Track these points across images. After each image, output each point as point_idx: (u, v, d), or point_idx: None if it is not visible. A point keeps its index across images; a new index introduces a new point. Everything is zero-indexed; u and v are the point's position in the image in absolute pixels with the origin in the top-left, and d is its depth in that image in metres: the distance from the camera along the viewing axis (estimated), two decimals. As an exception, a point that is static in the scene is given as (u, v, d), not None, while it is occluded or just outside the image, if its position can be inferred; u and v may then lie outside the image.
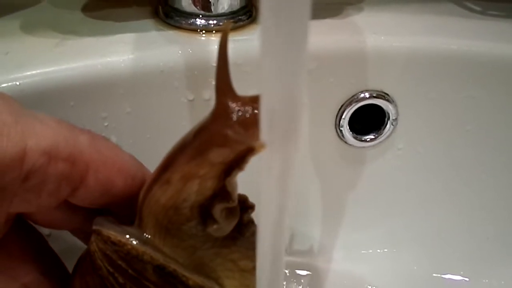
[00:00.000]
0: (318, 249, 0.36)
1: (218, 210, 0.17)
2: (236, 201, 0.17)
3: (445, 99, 0.31)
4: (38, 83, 0.24)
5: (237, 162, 0.16)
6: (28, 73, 0.24)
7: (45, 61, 0.25)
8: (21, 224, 0.20)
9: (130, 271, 0.17)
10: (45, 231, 0.21)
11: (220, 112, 0.15)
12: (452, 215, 0.34)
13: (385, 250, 0.35)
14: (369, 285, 0.35)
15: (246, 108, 0.15)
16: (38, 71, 0.24)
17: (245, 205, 0.18)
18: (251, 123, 0.15)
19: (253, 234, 0.18)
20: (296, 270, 0.35)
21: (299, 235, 0.35)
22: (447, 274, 0.35)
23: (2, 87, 0.23)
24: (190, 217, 0.17)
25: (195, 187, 0.16)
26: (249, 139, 0.15)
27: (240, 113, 0.15)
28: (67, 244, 0.24)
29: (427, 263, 0.35)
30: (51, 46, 0.26)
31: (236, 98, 0.15)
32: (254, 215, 0.18)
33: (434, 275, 0.35)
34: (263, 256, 0.16)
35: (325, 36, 0.29)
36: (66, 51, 0.26)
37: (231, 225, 0.17)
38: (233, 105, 0.15)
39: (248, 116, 0.15)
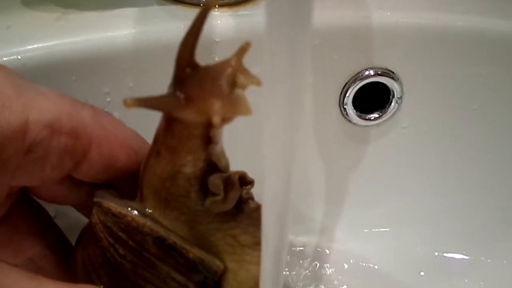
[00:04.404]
0: (321, 228, 0.36)
1: (211, 181, 0.16)
2: (227, 171, 0.17)
3: (452, 77, 0.31)
4: (39, 57, 0.24)
5: (210, 129, 0.16)
6: (30, 47, 0.24)
7: (47, 35, 0.25)
8: (26, 199, 0.20)
9: (130, 242, 0.17)
10: (50, 212, 0.22)
11: (177, 79, 0.15)
12: (456, 194, 0.34)
13: (388, 229, 0.35)
14: (372, 264, 0.35)
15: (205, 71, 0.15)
16: (40, 45, 0.24)
17: (244, 181, 0.18)
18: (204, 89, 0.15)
19: (254, 210, 0.18)
20: (299, 249, 0.35)
21: (302, 214, 0.35)
22: (449, 253, 0.35)
23: (4, 61, 0.23)
24: (189, 189, 0.17)
25: (184, 158, 0.16)
26: (202, 104, 0.15)
27: (196, 80, 0.15)
28: (71, 221, 0.24)
29: (430, 242, 0.35)
30: (52, 20, 0.26)
31: (196, 66, 0.15)
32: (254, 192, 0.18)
33: (436, 254, 0.35)
34: (267, 234, 0.16)
35: (330, 11, 0.28)
36: (68, 25, 0.26)
37: (230, 199, 0.17)
38: (191, 72, 0.15)
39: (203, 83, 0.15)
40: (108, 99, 0.26)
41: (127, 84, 0.26)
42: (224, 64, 0.15)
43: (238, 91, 0.15)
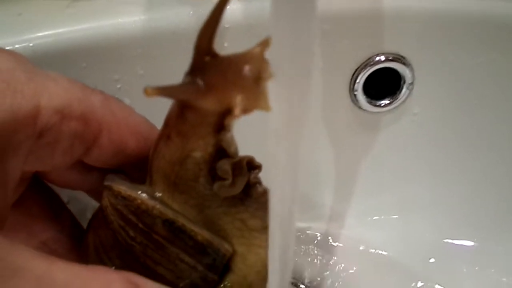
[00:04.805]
0: (330, 215, 0.36)
1: (219, 166, 0.17)
2: (236, 157, 0.17)
3: (464, 62, 0.30)
4: (50, 44, 0.24)
5: (224, 118, 0.16)
6: (40, 34, 0.24)
7: (57, 22, 0.25)
8: (38, 185, 0.20)
9: (140, 225, 0.17)
10: (63, 198, 0.22)
11: (196, 67, 0.15)
12: (467, 181, 0.34)
13: (398, 216, 0.35)
14: (381, 251, 0.35)
15: (227, 61, 0.15)
16: (50, 32, 0.24)
17: (251, 166, 0.18)
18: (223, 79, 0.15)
19: (261, 195, 0.18)
20: (308, 236, 0.35)
21: (311, 201, 0.35)
22: (458, 240, 0.35)
23: (15, 48, 0.23)
24: (197, 173, 0.17)
25: (194, 143, 0.16)
26: (224, 94, 0.15)
27: (216, 65, 0.15)
28: (83, 206, 0.25)
29: (440, 229, 0.35)
30: (63, 7, 0.26)
31: (215, 55, 0.15)
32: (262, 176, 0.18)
33: (446, 241, 0.35)
34: (274, 219, 0.16)
35: (340, -5, 0.28)
36: (78, 12, 0.26)
37: (238, 183, 0.17)
38: (210, 60, 0.15)
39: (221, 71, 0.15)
40: (118, 86, 0.26)
41: (137, 71, 0.26)
42: (248, 55, 0.15)
43: (262, 85, 0.15)
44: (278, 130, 0.16)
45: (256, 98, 0.15)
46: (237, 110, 0.15)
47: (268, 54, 0.15)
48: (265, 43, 0.15)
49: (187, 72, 0.16)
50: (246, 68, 0.15)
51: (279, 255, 0.16)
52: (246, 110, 0.15)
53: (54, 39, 0.24)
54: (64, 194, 0.23)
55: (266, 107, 0.15)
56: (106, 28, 0.25)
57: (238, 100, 0.15)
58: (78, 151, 0.18)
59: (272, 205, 0.16)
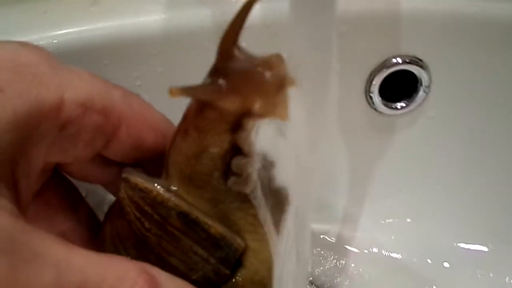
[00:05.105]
0: (344, 217, 0.36)
1: (234, 163, 0.17)
2: (252, 155, 0.17)
3: (482, 66, 0.30)
4: (73, 41, 0.25)
5: (242, 118, 0.16)
6: (65, 31, 0.25)
7: (81, 20, 0.25)
8: (58, 177, 0.21)
9: (155, 216, 0.17)
10: (82, 191, 0.23)
11: (219, 67, 0.15)
12: (482, 186, 0.33)
13: (412, 219, 0.35)
14: (395, 254, 0.34)
15: (250, 64, 0.15)
16: (74, 29, 0.25)
17: (266, 163, 0.18)
18: (245, 79, 0.15)
19: (275, 192, 0.18)
20: (322, 237, 0.35)
21: (326, 203, 0.35)
22: (472, 244, 0.34)
23: (40, 44, 0.24)
24: (212, 168, 0.17)
25: (211, 138, 0.16)
26: (245, 98, 0.15)
27: (239, 67, 0.15)
28: (100, 199, 0.25)
29: (455, 233, 0.34)
30: (87, 5, 0.27)
31: (238, 56, 0.15)
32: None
33: (461, 245, 0.34)
34: (289, 217, 0.16)
35: (357, -3, 0.28)
36: (101, 10, 0.26)
37: (250, 180, 0.18)
38: (234, 62, 0.15)
39: (247, 71, 0.15)
40: (138, 83, 0.27)
41: (156, 69, 0.27)
42: (271, 59, 0.15)
43: (283, 93, 0.15)
44: (297, 132, 0.16)
45: (275, 105, 0.15)
46: (255, 115, 0.15)
47: (286, 55, 0.15)
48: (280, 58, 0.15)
49: (210, 72, 0.16)
50: (270, 74, 0.15)
51: (291, 252, 0.17)
52: (264, 115, 0.15)
53: (78, 36, 0.25)
54: (82, 188, 0.24)
55: (284, 116, 0.15)
56: (127, 27, 0.26)
57: (257, 105, 0.15)
58: (99, 144, 0.19)
59: (287, 203, 0.16)
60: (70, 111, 0.17)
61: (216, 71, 0.16)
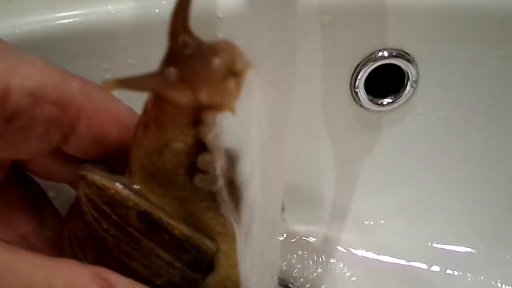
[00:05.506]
0: (330, 217, 0.35)
1: (199, 160, 0.16)
2: (218, 150, 0.16)
3: (472, 60, 0.29)
4: (37, 30, 0.24)
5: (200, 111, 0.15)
6: (28, 20, 0.23)
7: (46, 8, 0.24)
8: (19, 175, 0.20)
9: (113, 216, 0.16)
10: (50, 192, 0.22)
11: (169, 55, 0.14)
12: (472, 184, 0.33)
13: (401, 219, 0.34)
14: (382, 255, 0.34)
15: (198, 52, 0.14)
16: (38, 18, 0.24)
17: (233, 159, 0.17)
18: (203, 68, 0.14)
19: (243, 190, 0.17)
20: (307, 238, 0.34)
21: (310, 201, 0.34)
22: (461, 246, 0.34)
23: (2, 33, 0.23)
24: (176, 165, 0.16)
25: (172, 133, 0.15)
26: (191, 88, 0.14)
27: (189, 58, 0.14)
28: (71, 200, 0.24)
29: (444, 234, 0.34)
30: (53, -7, 0.26)
31: (190, 42, 0.14)
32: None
33: (450, 247, 0.34)
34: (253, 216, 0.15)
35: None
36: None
37: (217, 178, 0.16)
38: (184, 49, 0.14)
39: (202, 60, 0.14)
40: (108, 76, 0.26)
41: (128, 60, 0.26)
42: (219, 45, 0.14)
43: (229, 81, 0.14)
44: (260, 127, 0.15)
45: (221, 94, 0.14)
46: (208, 107, 0.14)
47: (244, 45, 0.14)
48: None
49: (161, 61, 0.15)
50: (216, 61, 0.14)
51: (256, 255, 0.15)
52: (212, 107, 0.14)
53: (42, 25, 0.24)
54: (52, 187, 0.22)
55: (229, 107, 0.14)
56: (96, 15, 0.24)
57: (203, 96, 0.14)
58: (55, 138, 0.17)
59: (251, 202, 0.15)
60: (18, 100, 0.15)
61: (167, 60, 0.14)
